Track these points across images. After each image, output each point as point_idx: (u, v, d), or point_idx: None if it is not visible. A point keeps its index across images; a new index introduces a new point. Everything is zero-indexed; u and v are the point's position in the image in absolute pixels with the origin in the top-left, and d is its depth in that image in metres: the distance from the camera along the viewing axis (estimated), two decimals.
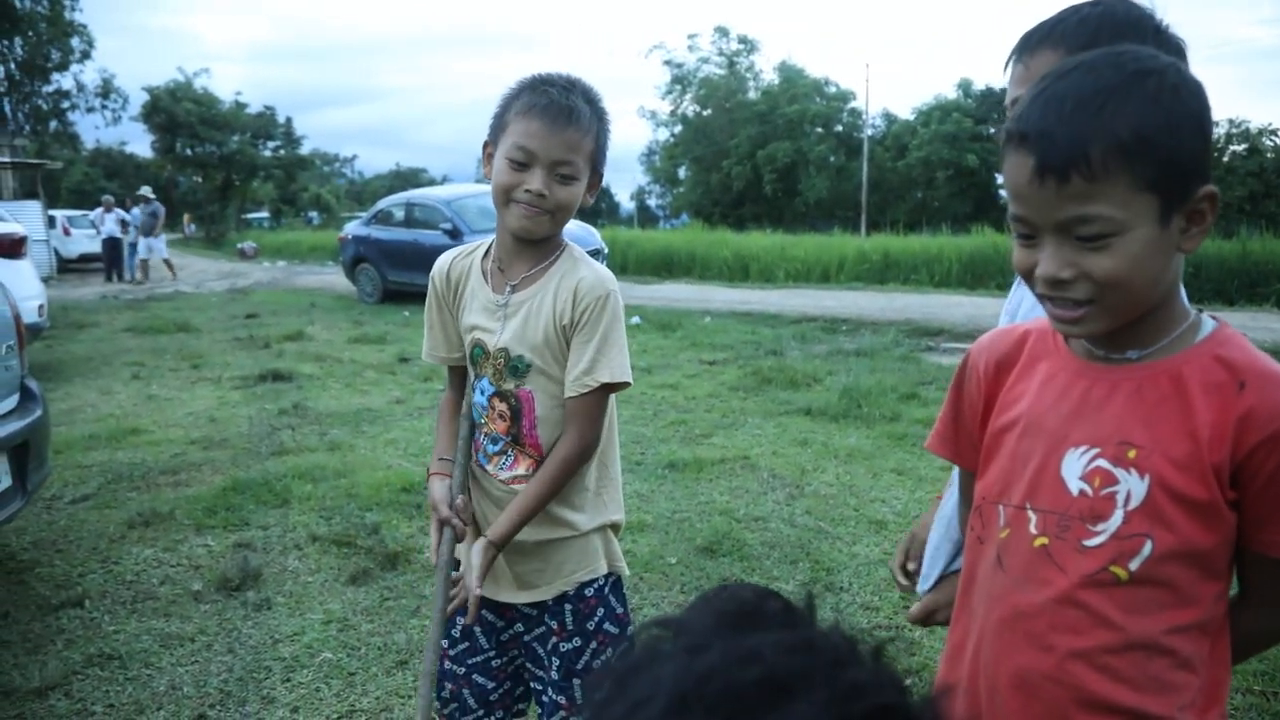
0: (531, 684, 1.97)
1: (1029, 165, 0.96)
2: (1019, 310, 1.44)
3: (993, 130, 38.57)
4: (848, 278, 16.92)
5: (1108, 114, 0.93)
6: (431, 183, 53.79)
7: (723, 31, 43.25)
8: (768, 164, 39.12)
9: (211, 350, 9.51)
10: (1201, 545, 1.01)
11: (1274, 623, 1.11)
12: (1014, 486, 1.11)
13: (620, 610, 1.91)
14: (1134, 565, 1.01)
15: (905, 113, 42.50)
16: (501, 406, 1.80)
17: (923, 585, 1.56)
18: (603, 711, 0.49)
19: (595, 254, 13.27)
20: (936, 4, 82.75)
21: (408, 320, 11.98)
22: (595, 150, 1.76)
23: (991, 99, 38.87)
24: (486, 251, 1.88)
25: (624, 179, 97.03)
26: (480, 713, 1.98)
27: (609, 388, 1.74)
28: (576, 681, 1.85)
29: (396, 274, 13.77)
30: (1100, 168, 0.93)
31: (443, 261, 1.92)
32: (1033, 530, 1.08)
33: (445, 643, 1.98)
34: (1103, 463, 1.03)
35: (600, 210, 56.60)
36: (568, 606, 1.85)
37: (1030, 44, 1.35)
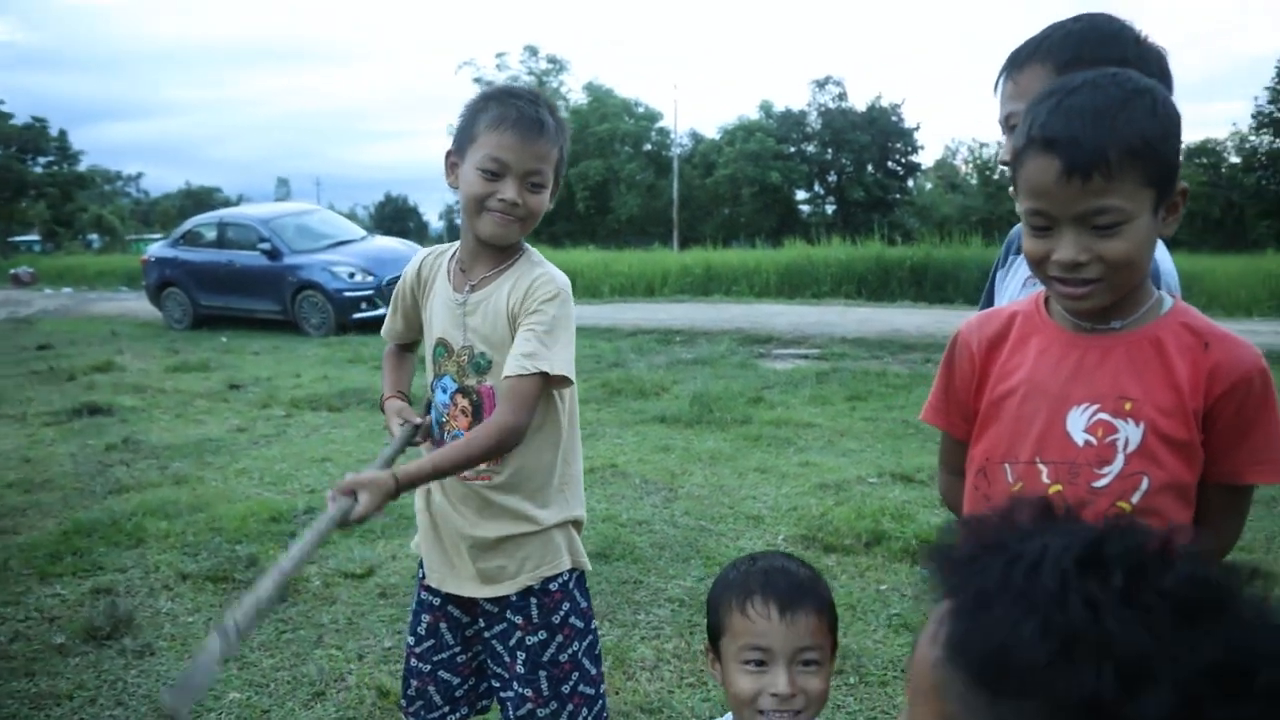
0: (492, 681, 2.00)
1: (1056, 166, 1.13)
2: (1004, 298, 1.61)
3: (792, 149, 40.86)
4: (672, 290, 17.44)
5: (1120, 124, 1.11)
6: (227, 203, 50.75)
7: (532, 50, 43.62)
8: (580, 182, 39.65)
9: (4, 386, 8.61)
10: (1184, 479, 1.22)
11: (1218, 543, 1.33)
12: (1020, 445, 1.28)
13: (584, 605, 1.97)
14: (1135, 499, 1.21)
15: (711, 132, 44.39)
16: (464, 403, 1.86)
17: None
18: (985, 573, 0.60)
19: None
20: (739, 29, 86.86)
21: (227, 346, 11.30)
22: (560, 160, 1.85)
23: (790, 120, 41.20)
24: (452, 258, 1.95)
25: (432, 198, 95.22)
26: (446, 709, 2.00)
27: (549, 379, 1.77)
28: (543, 674, 1.90)
29: (209, 298, 12.96)
30: (1117, 167, 1.11)
31: (420, 255, 2.04)
32: (1045, 480, 1.25)
33: (411, 640, 2.02)
34: (1104, 415, 1.22)
35: (407, 229, 55.40)
36: (533, 600, 1.90)
37: (1019, 60, 1.51)
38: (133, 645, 3.19)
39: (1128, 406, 1.22)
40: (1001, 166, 1.63)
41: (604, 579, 3.75)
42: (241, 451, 5.96)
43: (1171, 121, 1.16)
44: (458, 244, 1.97)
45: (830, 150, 41.47)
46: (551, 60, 43.88)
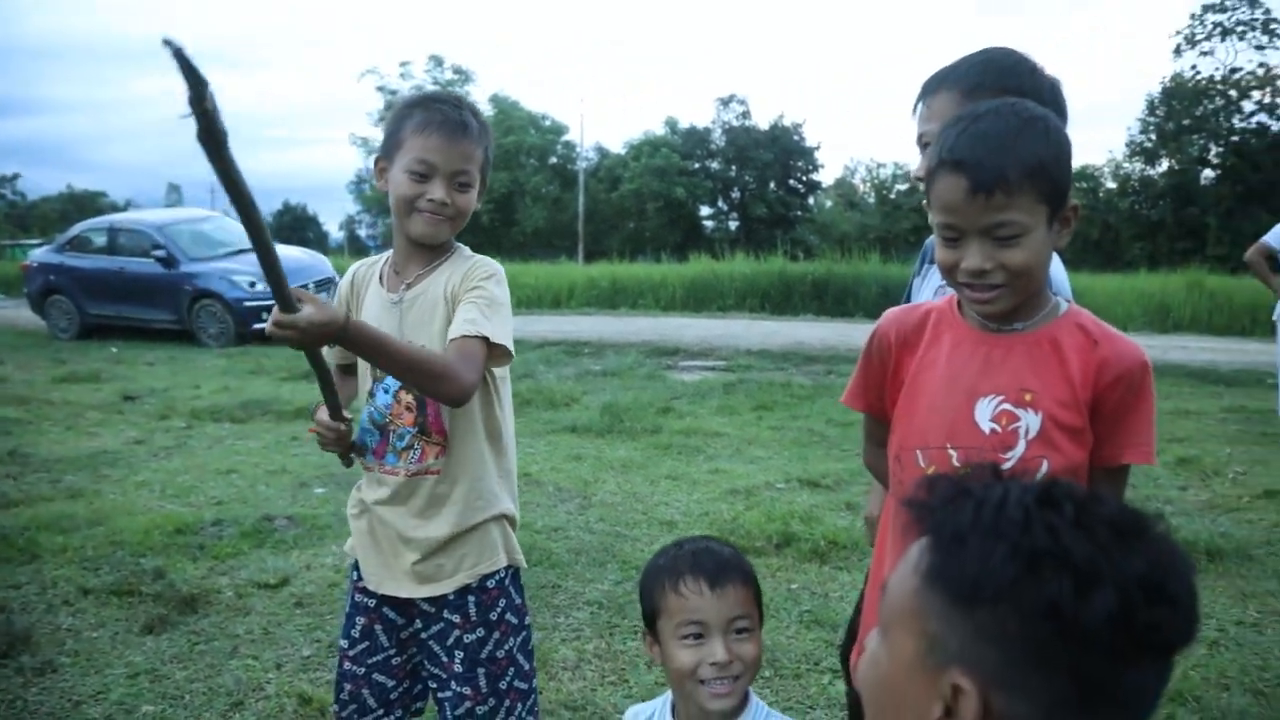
0: (429, 682, 2.02)
1: (964, 185, 1.27)
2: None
3: (696, 166, 41.50)
4: (579, 303, 17.52)
5: (1018, 148, 1.26)
6: (114, 208, 48.39)
7: (437, 60, 43.08)
8: (485, 194, 39.29)
9: None
10: (1078, 462, 1.36)
11: None
12: (932, 433, 1.41)
13: (519, 601, 2.01)
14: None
15: (617, 147, 44.66)
16: (407, 399, 1.89)
17: None
18: (959, 514, 0.76)
19: (327, 282, 12.86)
20: (645, 45, 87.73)
21: (118, 357, 10.85)
22: (485, 160, 1.92)
23: (695, 137, 41.81)
24: (384, 262, 2.00)
25: (332, 208, 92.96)
26: (380, 712, 2.00)
27: (490, 347, 1.80)
28: (481, 671, 1.94)
29: (98, 306, 12.41)
30: (1016, 186, 1.26)
31: (352, 268, 2.07)
32: (956, 464, 1.39)
33: (344, 643, 2.02)
34: (1007, 405, 1.36)
35: (307, 239, 53.92)
36: (470, 599, 1.93)
37: (931, 87, 1.68)
38: (31, 663, 3.07)
39: (1028, 398, 1.36)
40: (916, 181, 1.79)
41: (524, 584, 3.79)
42: (140, 464, 5.76)
43: (1062, 146, 1.31)
44: (389, 253, 2.02)
45: (734, 167, 42.27)
46: (457, 71, 43.44)
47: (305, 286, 12.78)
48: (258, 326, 11.73)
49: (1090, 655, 0.72)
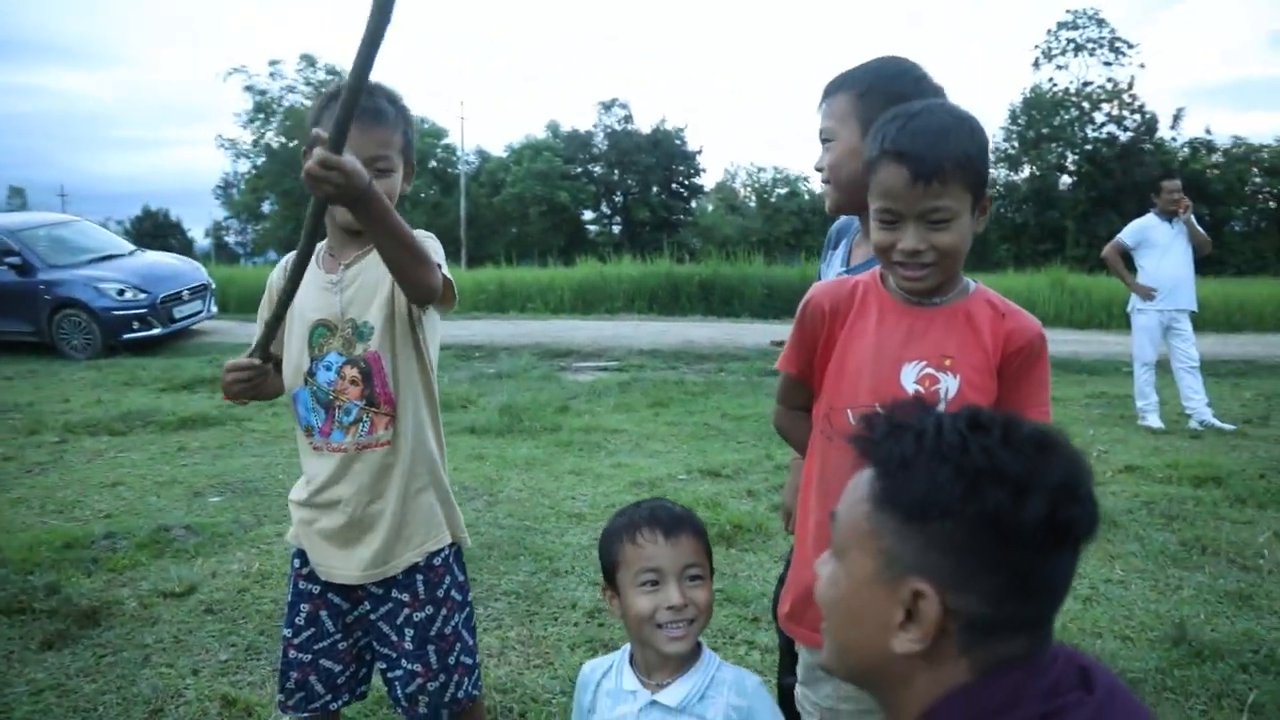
0: (377, 664, 2.07)
1: (905, 174, 1.43)
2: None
3: (579, 170, 41.58)
4: (465, 308, 17.34)
5: (952, 142, 1.43)
6: None
7: (309, 60, 41.71)
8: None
9: None
10: None
11: None
12: (862, 393, 1.57)
13: (462, 578, 2.09)
14: None
15: (499, 150, 44.26)
16: (353, 373, 1.93)
17: None
18: (901, 443, 0.90)
19: (202, 289, 12.38)
20: (526, 48, 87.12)
21: None
22: (405, 143, 1.97)
23: (578, 140, 41.86)
24: (319, 251, 2.04)
25: (197, 212, 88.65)
26: (328, 698, 2.04)
27: (449, 286, 1.90)
28: (431, 648, 2.00)
29: None
30: (949, 176, 1.43)
31: (283, 259, 2.09)
32: None
33: (289, 633, 2.04)
34: (930, 370, 1.53)
35: (170, 247, 51.30)
36: (419, 577, 1.99)
37: (831, 89, 1.87)
38: None
39: (948, 363, 1.54)
40: (816, 172, 1.96)
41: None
42: (13, 480, 5.46)
43: (984, 143, 1.50)
44: (321, 244, 2.06)
45: (617, 171, 42.60)
46: (331, 71, 42.11)
47: (179, 294, 12.32)
48: (128, 337, 11.21)
49: (1026, 552, 0.87)
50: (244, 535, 4.34)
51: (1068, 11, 41.01)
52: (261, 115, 41.62)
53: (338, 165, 1.55)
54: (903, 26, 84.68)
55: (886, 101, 1.80)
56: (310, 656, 2.02)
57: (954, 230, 1.47)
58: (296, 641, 2.03)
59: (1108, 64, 40.62)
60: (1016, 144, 42.18)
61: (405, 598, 1.99)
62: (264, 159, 43.16)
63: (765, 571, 3.92)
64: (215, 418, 7.10)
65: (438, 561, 2.02)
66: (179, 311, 12.00)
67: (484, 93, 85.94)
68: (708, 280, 17.36)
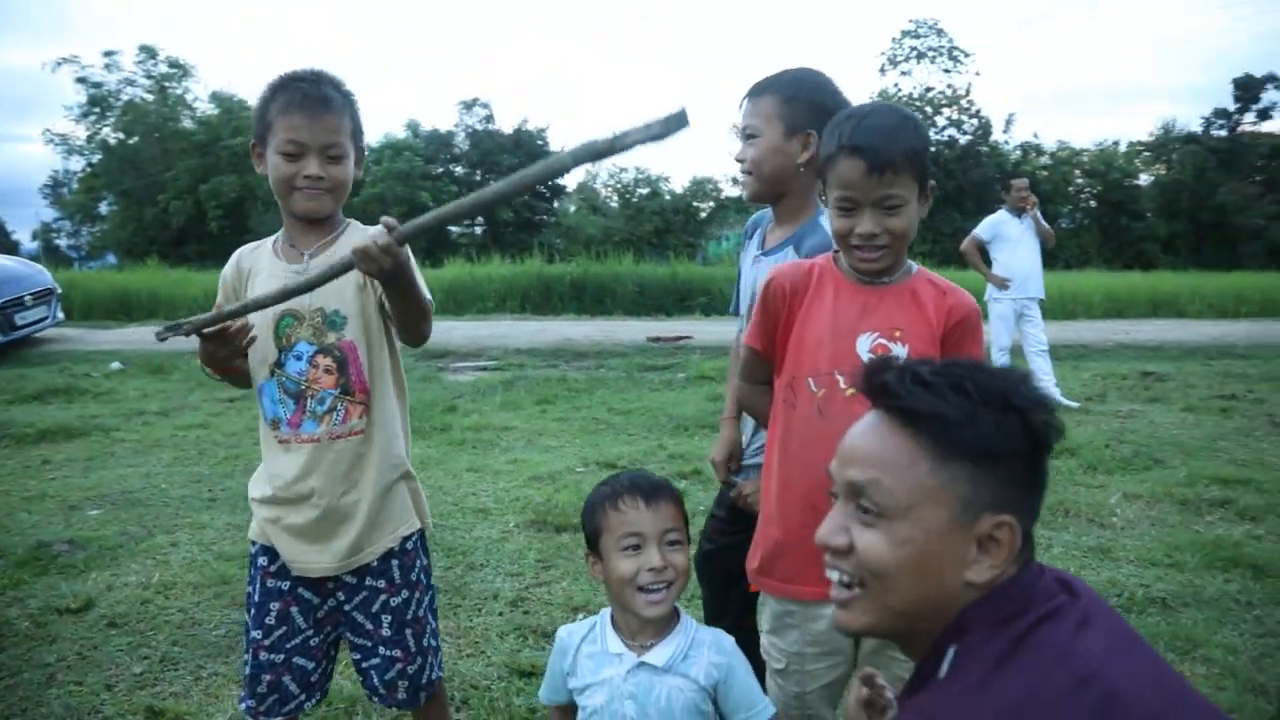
0: (353, 655, 2.07)
1: (862, 166, 1.61)
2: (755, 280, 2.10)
3: (440, 170, 40.87)
4: None
5: (901, 138, 1.62)
6: None
7: (149, 51, 39.18)
8: (212, 199, 36.41)
9: None
10: None
11: None
12: (821, 362, 1.73)
13: (427, 562, 2.12)
14: None
15: None
16: (326, 361, 1.93)
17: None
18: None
19: (47, 294, 11.56)
20: (384, 44, 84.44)
21: None
22: (354, 129, 2.01)
23: (438, 140, 41.10)
24: (274, 242, 2.04)
25: (23, 214, 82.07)
26: (302, 697, 2.03)
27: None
28: (408, 632, 2.03)
29: None
30: (901, 167, 1.61)
31: (234, 257, 2.07)
32: (842, 386, 1.70)
33: (258, 634, 2.00)
34: (882, 340, 1.70)
35: None
36: (394, 562, 2.02)
37: (758, 91, 2.09)
38: None
39: (898, 334, 1.72)
40: (737, 162, 2.17)
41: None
42: None
43: (927, 139, 1.70)
44: (272, 237, 2.07)
45: (479, 171, 42.08)
46: (173, 64, 39.80)
47: (21, 299, 11.43)
48: None
49: (1045, 463, 1.05)
50: (135, 547, 4.15)
51: (910, 21, 43.42)
52: (97, 110, 38.83)
53: (395, 254, 1.60)
54: (757, 36, 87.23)
55: (809, 109, 2.04)
56: (283, 656, 2.00)
57: (904, 215, 1.66)
58: (268, 642, 1.99)
59: (947, 71, 43.09)
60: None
61: (381, 584, 2.00)
62: (100, 156, 40.34)
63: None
64: (78, 429, 6.70)
65: (410, 546, 2.05)
66: (21, 318, 11.17)
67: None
68: (579, 279, 17.47)
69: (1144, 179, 42.24)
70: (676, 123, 1.19)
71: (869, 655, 1.79)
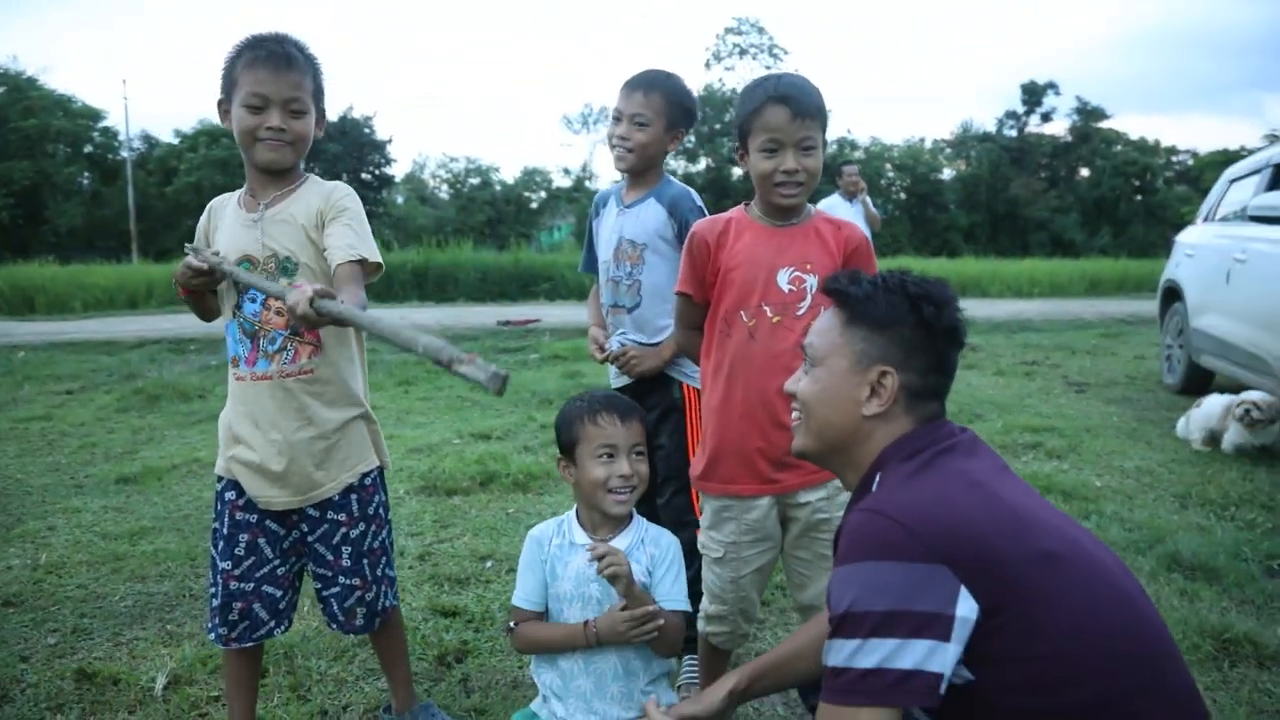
0: (315, 584, 2.21)
1: (786, 112, 1.95)
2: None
3: None
4: (160, 302, 15.98)
5: (812, 93, 1.99)
6: None
7: None
8: (2, 187, 33.28)
9: None
10: None
11: None
12: (749, 298, 2.05)
13: (385, 498, 2.28)
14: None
15: (168, 135, 40.06)
16: (278, 304, 2.00)
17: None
18: (860, 286, 1.39)
19: None
20: (193, 24, 78.75)
21: None
22: (315, 89, 2.13)
23: None
24: (239, 194, 2.18)
25: None
26: (271, 624, 2.16)
27: (366, 265, 2.03)
28: (365, 562, 2.19)
29: None
30: (814, 114, 1.97)
31: (211, 204, 2.21)
32: (769, 315, 2.04)
33: (228, 565, 2.12)
34: (797, 272, 2.04)
35: None
36: (353, 496, 2.17)
37: (648, 86, 2.56)
38: None
39: (809, 266, 2.06)
40: (620, 140, 2.60)
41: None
42: None
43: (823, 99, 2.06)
44: (241, 189, 2.18)
45: (304, 160, 40.20)
46: None
47: None
48: None
49: (941, 342, 1.41)
50: (8, 534, 4.02)
51: (733, 18, 45.01)
52: None
53: (313, 322, 1.77)
54: (586, 31, 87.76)
55: (684, 113, 2.60)
56: (253, 585, 2.11)
57: (816, 157, 2.02)
58: (238, 572, 2.10)
59: (768, 68, 44.95)
60: (693, 138, 45.56)
61: (341, 517, 2.15)
62: None
63: (564, 508, 4.33)
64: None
65: (368, 481, 2.20)
66: None
67: (149, 72, 77.06)
68: (421, 267, 17.31)
69: (947, 174, 45.63)
70: (497, 383, 1.54)
71: (794, 539, 2.15)
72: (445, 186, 49.36)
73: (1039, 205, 42.85)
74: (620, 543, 1.95)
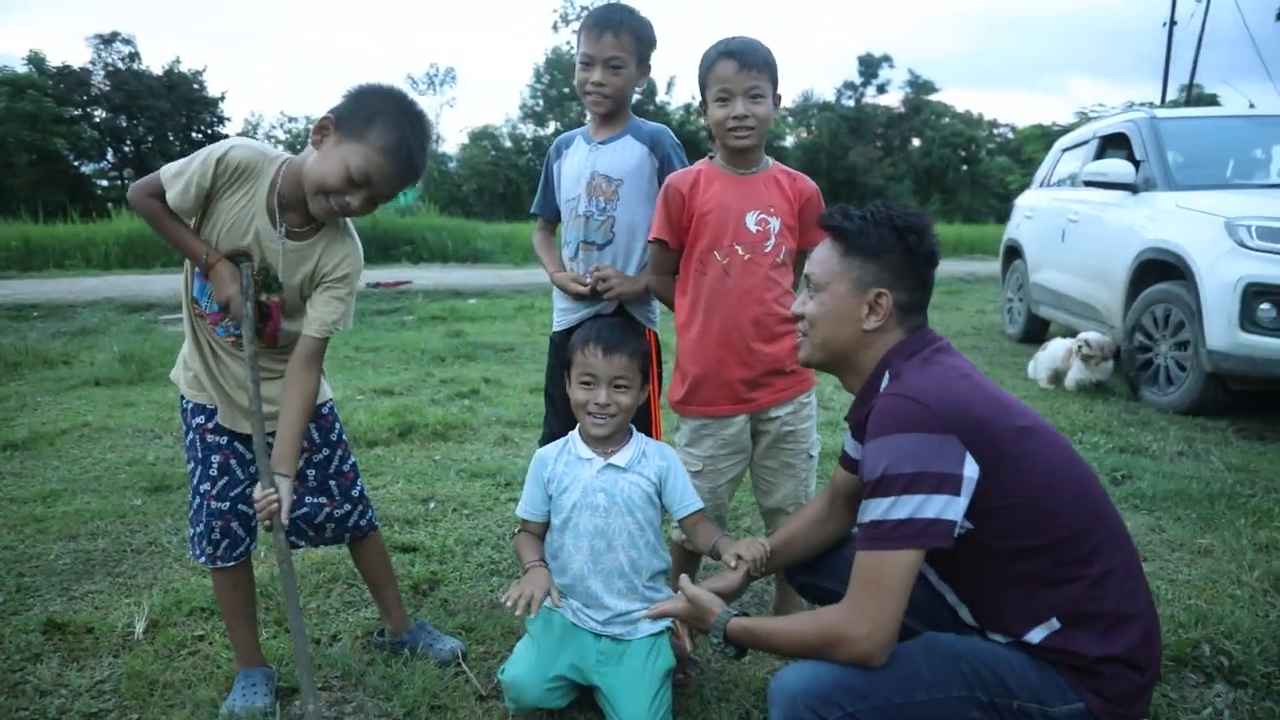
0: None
1: (734, 64, 2.20)
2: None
3: (77, 112, 35.88)
4: None
5: (761, 49, 2.23)
6: None
7: None
8: None
9: None
10: (794, 246, 2.37)
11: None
12: (721, 239, 2.29)
13: (341, 427, 2.41)
14: (780, 257, 2.32)
15: None
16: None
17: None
18: (853, 220, 1.65)
19: None
20: None
21: None
22: None
23: (72, 79, 35.92)
24: (275, 175, 2.07)
25: None
26: (248, 540, 2.26)
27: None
28: (333, 483, 2.35)
29: None
30: (763, 66, 2.22)
31: (244, 154, 2.04)
32: (740, 253, 2.29)
33: (206, 486, 2.19)
34: (763, 215, 2.30)
35: None
36: (312, 425, 2.28)
37: (618, 27, 2.49)
38: None
39: (772, 210, 2.32)
40: (597, 86, 2.52)
41: (178, 504, 3.77)
42: None
43: (774, 58, 2.31)
44: (280, 163, 2.08)
45: (124, 116, 37.43)
46: None
47: None
48: None
49: (923, 265, 1.70)
50: None
51: None
52: None
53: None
54: None
55: (650, 46, 2.58)
56: (228, 504, 2.19)
57: (764, 105, 2.27)
58: (215, 492, 2.18)
59: None
60: (541, 101, 45.16)
61: (304, 444, 2.24)
62: None
63: (490, 453, 4.50)
64: None
65: (325, 410, 2.34)
66: None
67: None
68: None
69: (790, 141, 47.24)
70: None
71: (764, 450, 2.44)
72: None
73: (875, 173, 45.11)
74: (622, 458, 2.18)
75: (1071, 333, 6.53)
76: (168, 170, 2.04)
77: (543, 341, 8.53)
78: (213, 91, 40.34)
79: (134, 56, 38.07)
